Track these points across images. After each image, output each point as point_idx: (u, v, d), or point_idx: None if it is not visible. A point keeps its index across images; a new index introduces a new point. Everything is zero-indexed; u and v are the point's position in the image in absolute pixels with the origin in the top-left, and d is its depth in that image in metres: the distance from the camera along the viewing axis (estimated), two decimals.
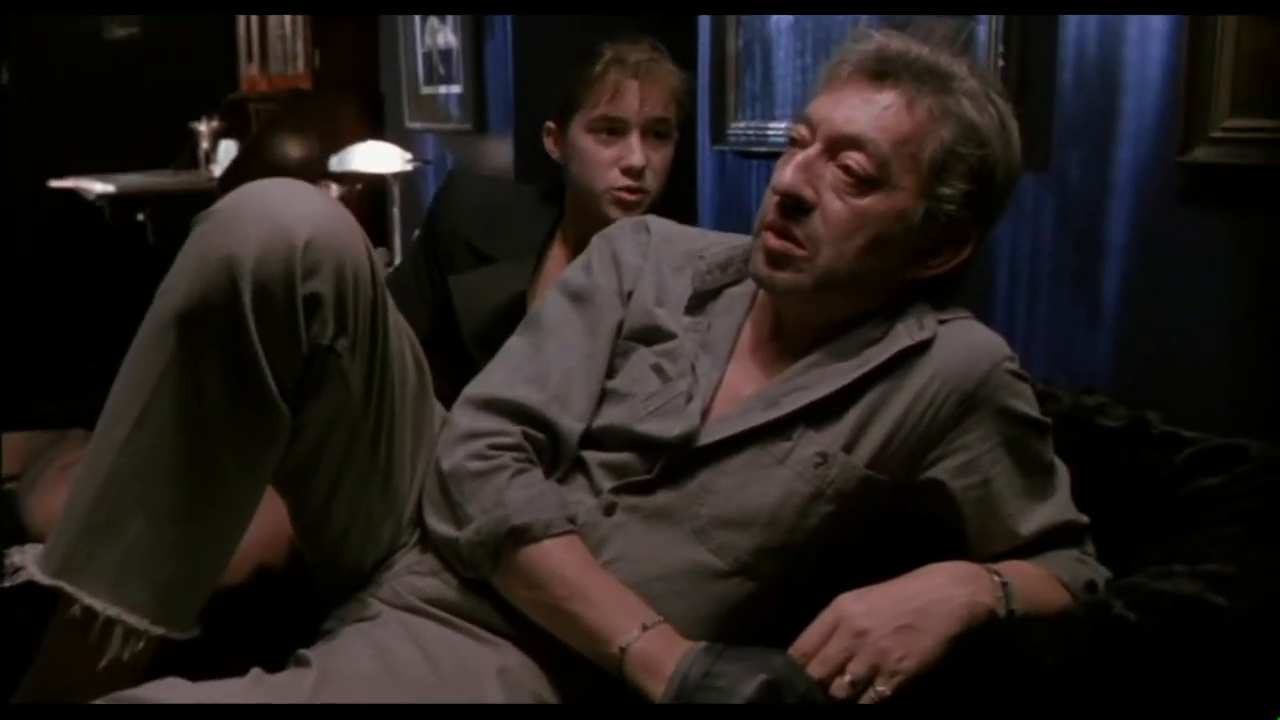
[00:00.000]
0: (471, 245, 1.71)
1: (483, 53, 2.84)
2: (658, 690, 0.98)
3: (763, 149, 2.27)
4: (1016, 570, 1.09)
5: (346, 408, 1.08)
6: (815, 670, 0.98)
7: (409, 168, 3.14)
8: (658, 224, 1.29)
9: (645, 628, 1.02)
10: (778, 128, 2.22)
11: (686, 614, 1.08)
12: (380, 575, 1.15)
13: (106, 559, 0.99)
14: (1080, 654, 0.94)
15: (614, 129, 1.65)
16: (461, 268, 1.71)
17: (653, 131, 1.65)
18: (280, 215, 1.01)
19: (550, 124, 1.75)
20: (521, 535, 1.08)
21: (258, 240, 0.99)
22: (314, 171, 3.37)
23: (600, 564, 1.11)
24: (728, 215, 2.45)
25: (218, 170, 3.87)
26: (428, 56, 3.19)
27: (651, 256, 1.25)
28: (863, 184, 1.09)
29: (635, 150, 1.63)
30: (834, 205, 1.10)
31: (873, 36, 1.14)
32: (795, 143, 1.14)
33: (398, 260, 3.26)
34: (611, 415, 1.17)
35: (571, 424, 1.17)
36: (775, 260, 1.12)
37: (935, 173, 1.10)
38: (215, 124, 4.14)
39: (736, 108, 2.37)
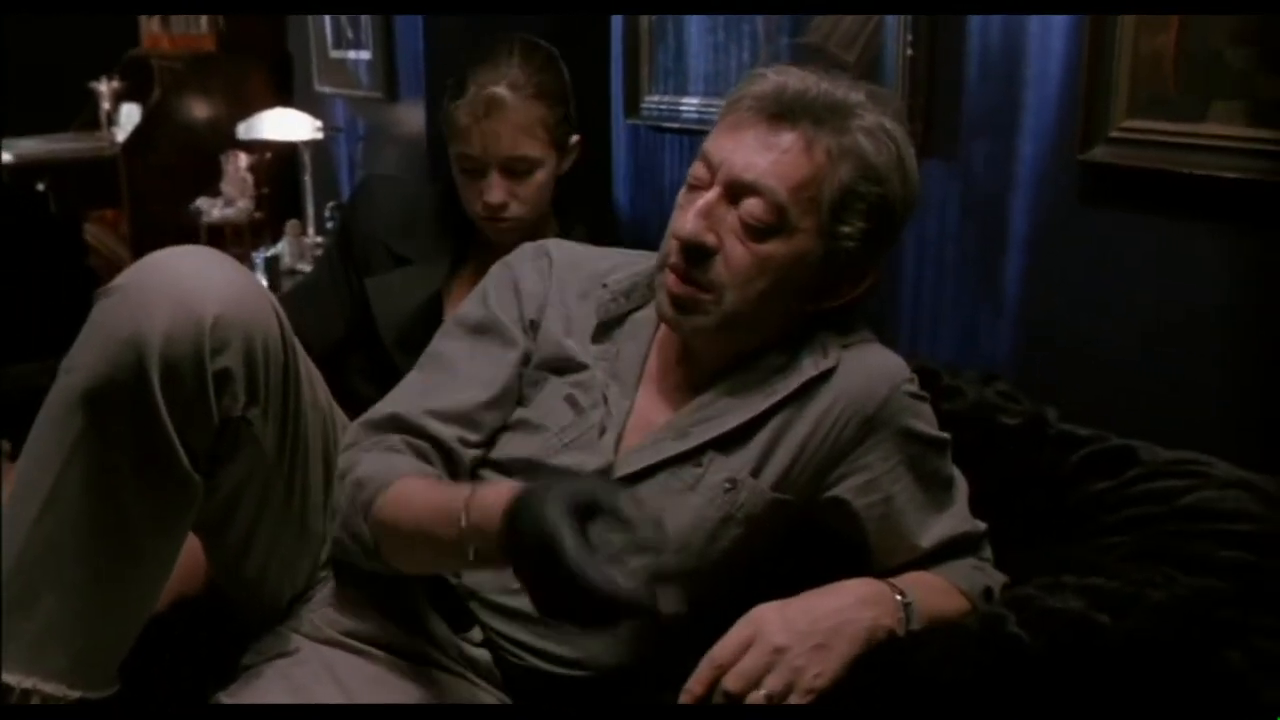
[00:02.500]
0: (388, 247, 1.70)
1: (391, 17, 2.77)
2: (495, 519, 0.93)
3: (676, 125, 2.27)
4: (918, 583, 1.14)
5: (260, 466, 1.09)
6: (732, 684, 1.00)
7: (319, 136, 3.07)
8: (558, 249, 1.29)
9: (466, 502, 0.99)
10: (690, 103, 2.22)
11: (603, 637, 1.10)
12: (299, 608, 1.16)
13: (22, 634, 0.99)
14: (974, 672, 0.99)
15: (473, 167, 1.63)
16: (379, 269, 1.69)
17: (510, 168, 1.63)
18: (187, 292, 1.00)
19: None
20: (366, 487, 1.08)
21: (165, 319, 0.98)
22: (221, 137, 3.27)
23: (518, 589, 1.11)
24: (641, 188, 2.46)
25: (120, 134, 3.74)
26: (336, 18, 3.10)
27: (555, 284, 1.25)
28: (763, 230, 1.10)
29: (492, 189, 1.62)
30: (736, 250, 1.11)
31: (768, 77, 1.14)
32: (694, 179, 1.14)
33: (310, 230, 3.21)
34: (524, 447, 1.19)
35: (450, 434, 1.17)
36: (680, 305, 1.14)
37: (834, 213, 1.11)
38: (116, 84, 3.98)
39: (650, 82, 2.36)
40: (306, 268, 3.03)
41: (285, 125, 3.06)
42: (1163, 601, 0.99)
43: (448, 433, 1.17)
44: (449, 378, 1.21)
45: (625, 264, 1.28)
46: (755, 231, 1.10)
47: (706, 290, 1.12)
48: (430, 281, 1.68)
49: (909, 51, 1.69)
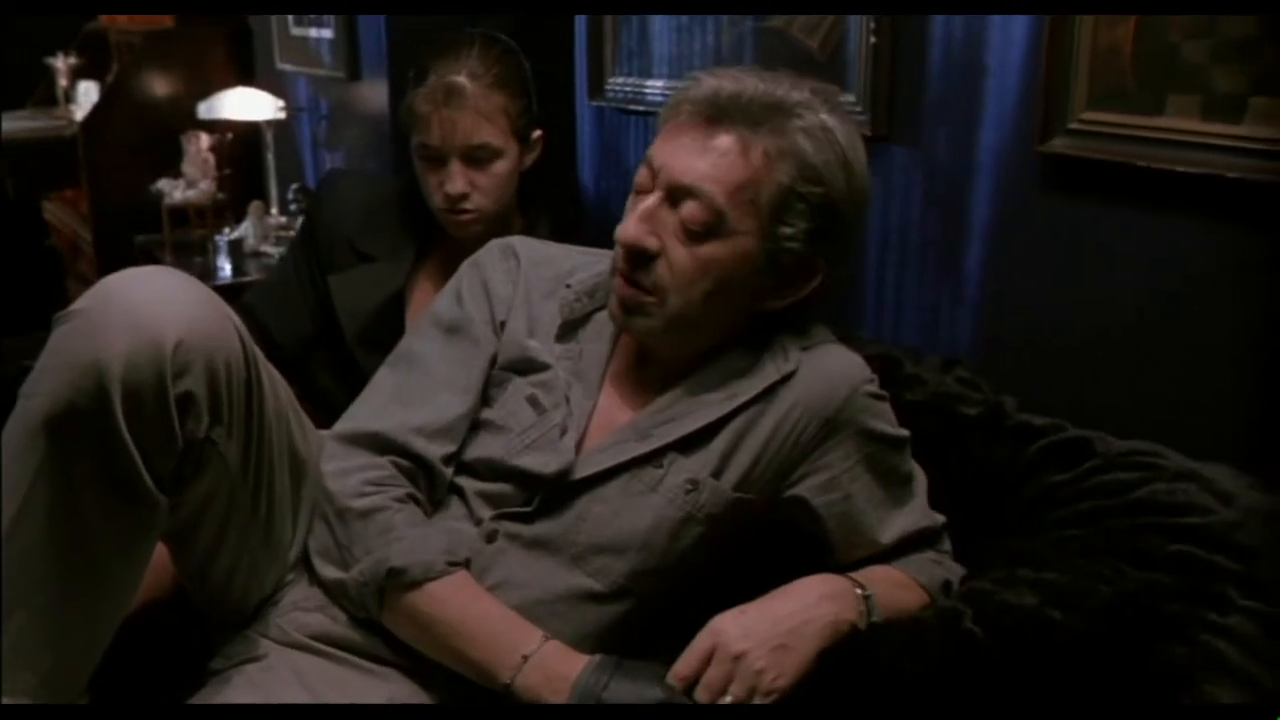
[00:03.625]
0: (352, 244, 1.69)
1: None
2: (559, 700, 1.03)
3: (640, 107, 2.26)
4: (878, 577, 1.16)
5: (225, 480, 1.08)
6: (700, 696, 1.03)
7: (282, 115, 3.03)
8: (525, 248, 1.30)
9: (525, 658, 1.06)
10: (655, 85, 2.21)
11: (568, 634, 1.13)
12: (267, 611, 1.17)
13: None
14: (933, 666, 1.01)
15: (435, 156, 1.63)
16: (343, 266, 1.69)
17: (472, 157, 1.63)
18: (147, 317, 0.99)
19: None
20: (402, 577, 1.10)
21: (125, 345, 0.97)
22: (182, 115, 3.22)
23: (484, 588, 1.14)
24: (607, 169, 2.45)
25: (78, 112, 3.67)
26: None
27: (521, 284, 1.26)
28: (702, 232, 1.11)
29: (453, 178, 1.61)
30: (678, 253, 1.12)
31: (703, 80, 1.14)
32: (639, 184, 1.15)
33: (274, 210, 3.18)
34: (488, 447, 1.20)
35: (435, 453, 1.19)
36: (626, 307, 1.15)
37: (774, 214, 1.12)
38: (73, 60, 3.91)
39: (614, 63, 2.35)
40: (270, 249, 3.01)
41: (247, 105, 3.03)
42: (1112, 597, 1.01)
43: (433, 451, 1.18)
44: (425, 381, 1.22)
45: (589, 263, 1.29)
46: (695, 234, 1.11)
47: (650, 292, 1.13)
48: (393, 279, 1.67)
49: (872, 39, 1.70)
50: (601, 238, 2.44)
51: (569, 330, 1.24)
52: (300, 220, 1.84)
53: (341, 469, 1.16)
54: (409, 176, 1.73)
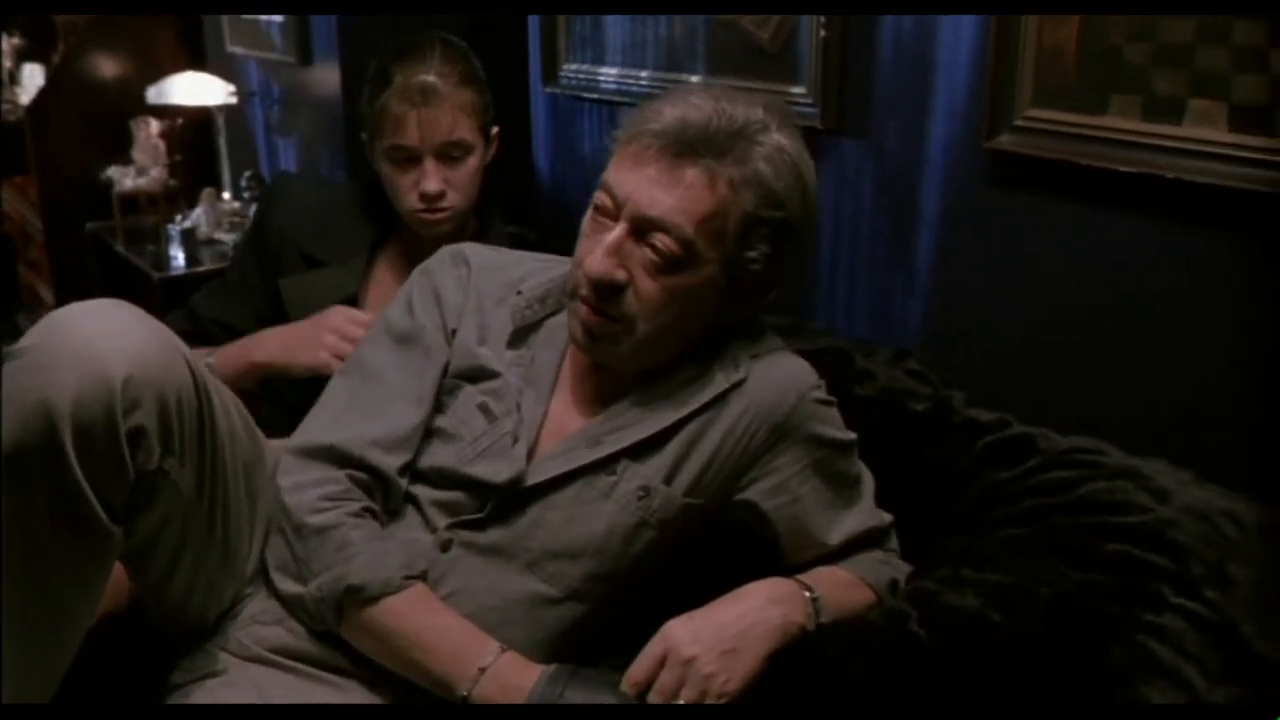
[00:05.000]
0: (301, 249, 1.69)
1: None
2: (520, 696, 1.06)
3: (595, 95, 2.26)
4: (825, 578, 1.19)
5: (179, 506, 1.09)
6: (653, 701, 1.05)
7: (233, 100, 2.99)
8: (476, 255, 1.30)
9: (482, 670, 1.08)
10: (609, 73, 2.21)
11: (523, 638, 1.15)
12: (226, 624, 1.18)
13: None
14: (880, 669, 1.04)
15: (407, 156, 1.63)
16: (291, 270, 1.68)
17: (446, 154, 1.63)
18: (96, 354, 0.99)
19: (364, 136, 1.71)
20: (360, 594, 1.12)
21: (74, 383, 0.97)
22: (131, 100, 3.17)
23: (439, 596, 1.15)
24: (561, 155, 2.45)
25: (23, 95, 3.60)
26: None
27: (472, 292, 1.26)
28: (671, 264, 1.12)
29: (428, 176, 1.62)
30: (646, 284, 1.13)
31: (666, 111, 1.13)
32: (600, 210, 1.15)
33: (226, 195, 3.14)
34: (441, 456, 1.21)
35: (392, 464, 1.20)
36: (593, 335, 1.16)
37: (739, 241, 1.13)
38: (17, 41, 3.83)
39: (568, 50, 2.34)
40: (224, 236, 2.98)
41: (197, 89, 2.99)
42: (1051, 598, 1.04)
43: (390, 463, 1.19)
44: (379, 390, 1.23)
45: (539, 269, 1.29)
46: (664, 266, 1.12)
47: (618, 320, 1.14)
48: (346, 284, 1.67)
49: (822, 33, 1.71)
50: (557, 223, 2.45)
51: (520, 337, 1.25)
52: (252, 219, 1.82)
53: (297, 483, 1.17)
54: (365, 181, 1.73)
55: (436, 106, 1.61)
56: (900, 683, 1.03)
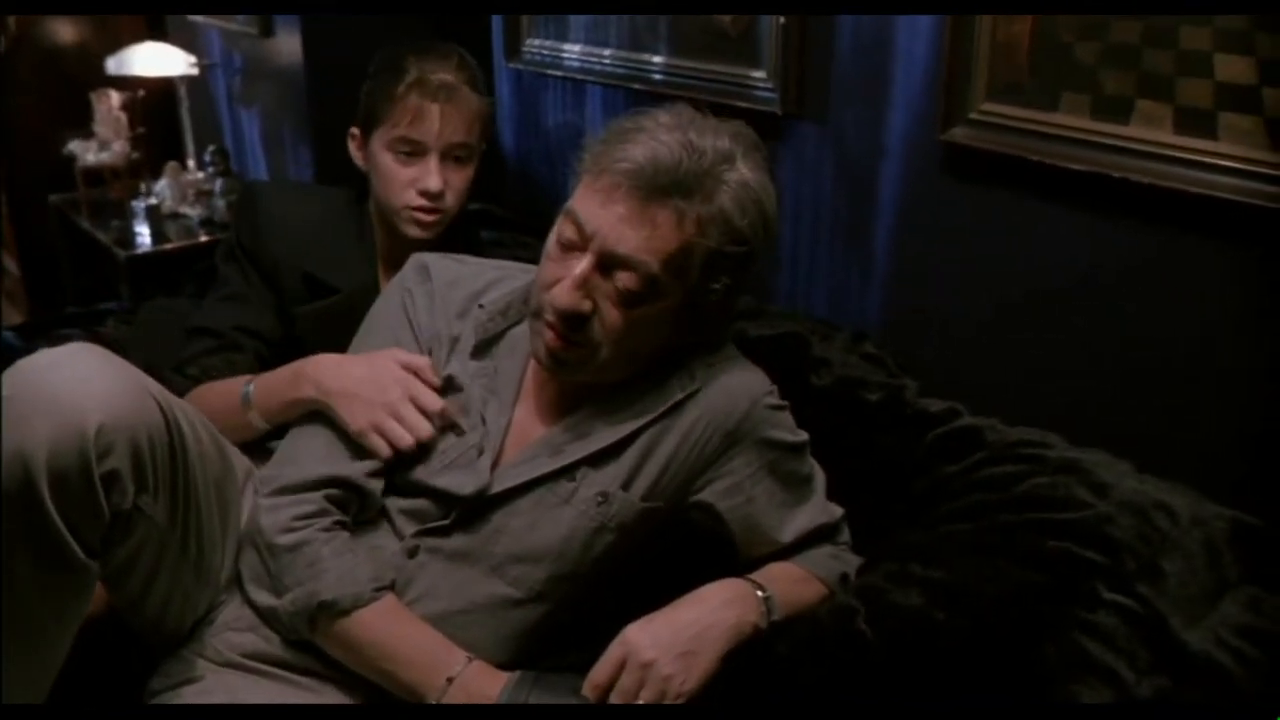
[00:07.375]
0: (305, 271, 1.65)
1: None
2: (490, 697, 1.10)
3: (558, 72, 2.26)
4: (777, 575, 1.23)
5: (154, 534, 1.12)
6: (614, 701, 1.09)
7: (195, 71, 2.96)
8: (438, 267, 1.33)
9: (450, 680, 1.13)
10: (572, 50, 2.21)
11: (488, 639, 1.20)
12: (202, 630, 1.22)
13: None
14: (828, 667, 1.08)
15: (413, 150, 1.61)
16: (292, 289, 1.65)
17: (452, 155, 1.63)
18: (68, 403, 1.01)
19: (354, 129, 1.69)
20: (332, 609, 1.16)
21: (48, 434, 0.99)
22: (90, 71, 3.12)
23: (407, 601, 1.20)
24: (525, 130, 2.45)
25: None
26: None
27: (439, 306, 1.30)
28: (636, 299, 1.15)
29: (433, 174, 1.60)
30: (611, 314, 1.16)
31: (636, 147, 1.13)
32: (565, 238, 1.17)
33: (191, 165, 3.11)
34: (409, 467, 1.25)
35: (375, 484, 1.25)
36: (557, 360, 1.19)
37: (703, 274, 1.16)
38: None
39: (530, 25, 2.34)
40: (189, 210, 2.97)
41: (158, 60, 2.94)
42: (993, 597, 1.09)
43: (359, 469, 1.24)
44: None
45: (500, 279, 1.33)
46: (629, 298, 1.15)
47: (583, 346, 1.18)
48: (362, 306, 1.53)
49: (782, 19, 1.71)
50: (522, 197, 2.44)
51: (483, 348, 1.29)
52: (231, 235, 1.75)
53: (274, 504, 1.21)
54: (357, 191, 1.72)
55: (456, 107, 1.61)
56: (847, 681, 1.07)
